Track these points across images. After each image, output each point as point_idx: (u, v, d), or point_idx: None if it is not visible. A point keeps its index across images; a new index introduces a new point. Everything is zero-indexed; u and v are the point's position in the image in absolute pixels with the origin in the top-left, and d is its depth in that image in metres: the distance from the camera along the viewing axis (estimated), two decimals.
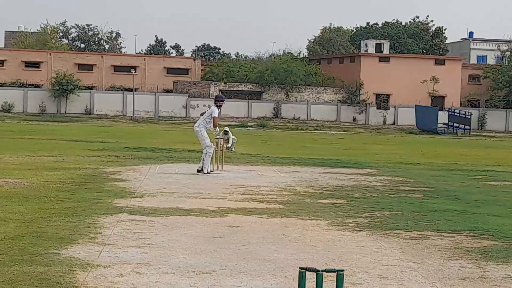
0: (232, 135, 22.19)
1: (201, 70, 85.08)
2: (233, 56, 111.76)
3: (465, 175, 21.88)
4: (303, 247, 9.89)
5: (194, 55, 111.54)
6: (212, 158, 20.06)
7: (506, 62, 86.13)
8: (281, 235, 10.70)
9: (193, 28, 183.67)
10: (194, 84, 78.42)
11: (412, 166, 25.18)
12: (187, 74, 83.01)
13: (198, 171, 19.59)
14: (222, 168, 20.79)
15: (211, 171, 19.76)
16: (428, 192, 16.83)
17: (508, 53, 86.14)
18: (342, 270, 6.25)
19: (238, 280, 7.91)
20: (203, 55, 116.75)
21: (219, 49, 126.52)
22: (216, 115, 20.06)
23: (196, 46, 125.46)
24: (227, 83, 78.02)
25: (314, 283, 5.70)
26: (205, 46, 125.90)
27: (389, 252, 9.70)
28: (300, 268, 6.16)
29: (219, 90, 76.96)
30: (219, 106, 20.26)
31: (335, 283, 5.81)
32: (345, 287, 6.34)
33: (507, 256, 9.62)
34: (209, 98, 75.62)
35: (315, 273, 5.98)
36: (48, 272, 7.86)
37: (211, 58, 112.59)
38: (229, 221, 11.73)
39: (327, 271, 6.26)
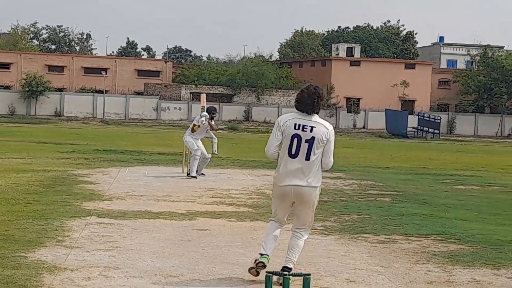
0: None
1: (172, 72, 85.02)
2: (205, 59, 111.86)
3: (434, 179, 22.03)
4: None
5: (165, 57, 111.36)
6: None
7: (476, 67, 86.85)
8: (250, 239, 10.72)
9: (165, 30, 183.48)
10: (165, 86, 78.33)
11: (381, 170, 25.32)
12: (158, 76, 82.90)
13: (187, 174, 19.47)
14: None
15: (197, 175, 19.42)
16: (397, 196, 16.92)
17: (477, 58, 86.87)
18: (309, 274, 6.29)
19: (206, 284, 7.92)
20: (174, 57, 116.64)
21: (191, 51, 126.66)
22: (201, 123, 19.47)
23: (168, 48, 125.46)
24: (198, 86, 77.98)
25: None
26: (177, 48, 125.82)
27: (357, 256, 9.75)
28: (267, 272, 6.20)
29: (190, 93, 76.97)
30: (212, 118, 19.89)
31: (301, 287, 5.84)
32: None
33: (474, 260, 9.70)
34: (180, 100, 75.58)
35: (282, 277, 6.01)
36: (14, 275, 7.81)
37: (183, 61, 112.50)
38: (198, 225, 11.73)
39: (293, 275, 6.30)
